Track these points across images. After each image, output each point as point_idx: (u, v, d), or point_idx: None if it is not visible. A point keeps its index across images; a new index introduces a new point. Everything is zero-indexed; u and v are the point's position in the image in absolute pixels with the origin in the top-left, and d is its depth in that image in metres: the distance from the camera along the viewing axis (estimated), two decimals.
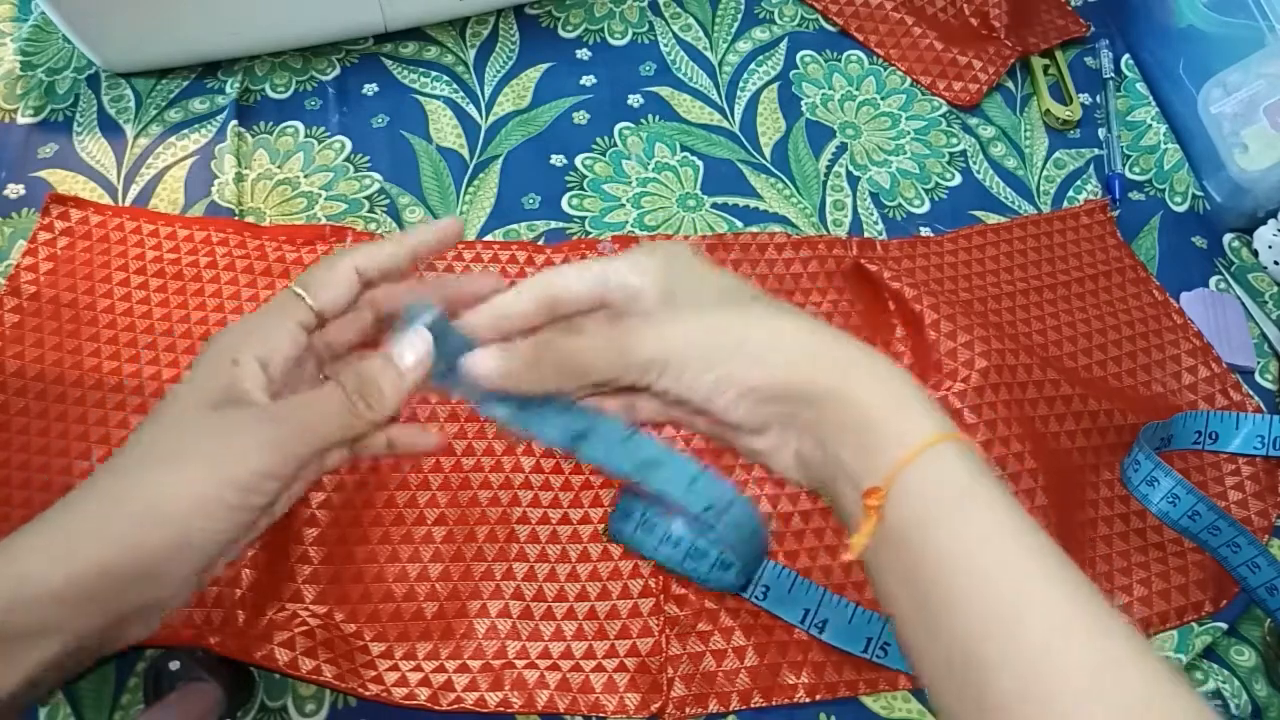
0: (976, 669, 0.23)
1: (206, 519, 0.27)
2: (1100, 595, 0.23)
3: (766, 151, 0.55)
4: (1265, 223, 0.53)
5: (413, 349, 0.30)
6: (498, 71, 0.56)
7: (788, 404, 0.29)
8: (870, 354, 0.29)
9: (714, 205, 0.52)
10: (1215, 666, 0.41)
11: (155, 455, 0.28)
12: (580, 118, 0.55)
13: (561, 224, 0.51)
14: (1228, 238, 0.55)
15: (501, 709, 0.36)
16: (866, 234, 0.52)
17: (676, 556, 0.34)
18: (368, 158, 0.52)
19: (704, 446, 0.41)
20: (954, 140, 0.57)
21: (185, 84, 0.53)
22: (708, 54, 0.59)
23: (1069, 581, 0.23)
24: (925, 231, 0.53)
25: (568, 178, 0.52)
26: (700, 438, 0.33)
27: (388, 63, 0.56)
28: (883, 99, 0.58)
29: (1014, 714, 0.22)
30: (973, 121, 0.58)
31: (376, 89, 0.55)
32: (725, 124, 0.56)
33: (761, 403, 0.29)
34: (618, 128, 0.55)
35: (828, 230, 0.52)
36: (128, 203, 0.49)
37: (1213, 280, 0.53)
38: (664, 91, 0.57)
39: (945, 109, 0.58)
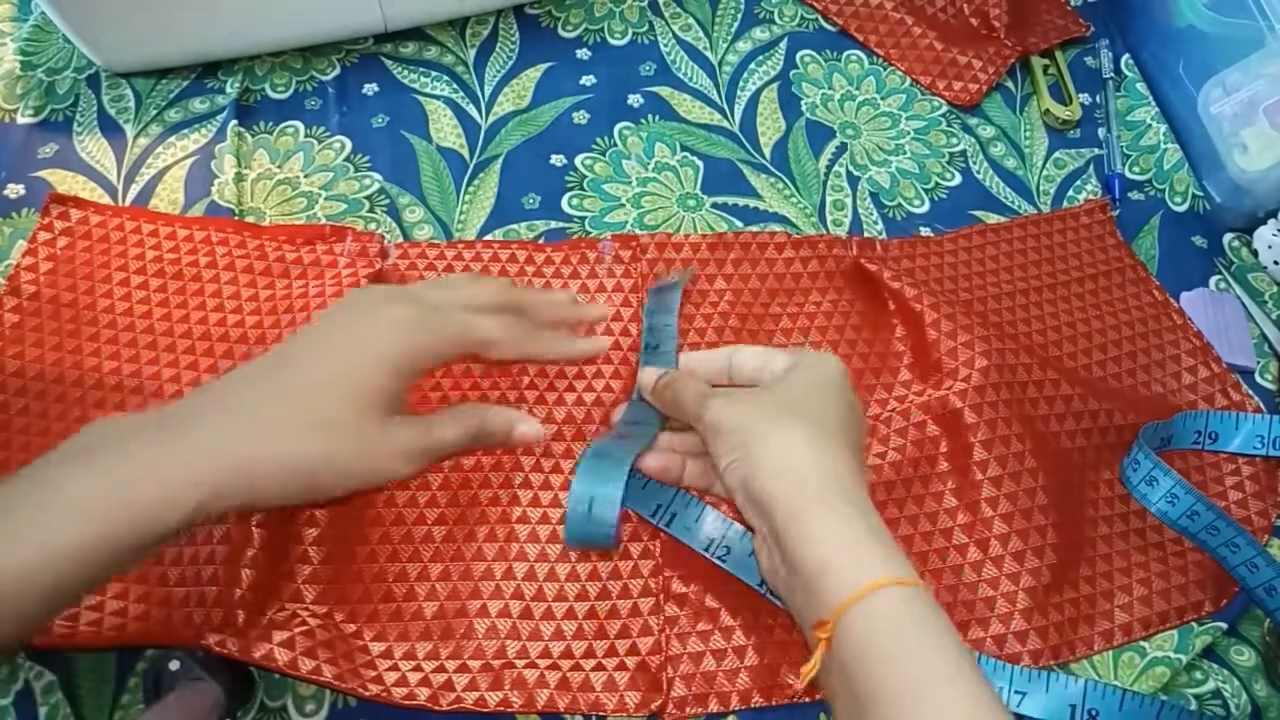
0: None
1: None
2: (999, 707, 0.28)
3: (766, 151, 0.55)
4: (1265, 223, 0.53)
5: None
6: (498, 71, 0.56)
7: (759, 511, 0.34)
8: (845, 486, 0.33)
9: (714, 205, 0.52)
10: (1215, 666, 0.41)
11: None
12: (580, 118, 0.55)
13: (561, 224, 0.51)
14: (1228, 238, 0.55)
15: (501, 708, 0.36)
16: (866, 234, 0.52)
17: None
18: (368, 157, 0.52)
19: None
20: (954, 140, 0.57)
21: (185, 84, 0.53)
22: (708, 54, 0.59)
23: (977, 699, 0.28)
24: (925, 231, 0.53)
25: (567, 178, 0.52)
26: None
27: (388, 62, 0.56)
28: (883, 99, 0.58)
29: None
30: (972, 121, 0.58)
31: (376, 89, 0.55)
32: (725, 124, 0.56)
33: (746, 502, 0.34)
34: (618, 127, 0.55)
35: (828, 230, 0.52)
36: (128, 203, 0.49)
37: (1213, 280, 0.53)
38: (664, 91, 0.57)
39: (945, 109, 0.58)
